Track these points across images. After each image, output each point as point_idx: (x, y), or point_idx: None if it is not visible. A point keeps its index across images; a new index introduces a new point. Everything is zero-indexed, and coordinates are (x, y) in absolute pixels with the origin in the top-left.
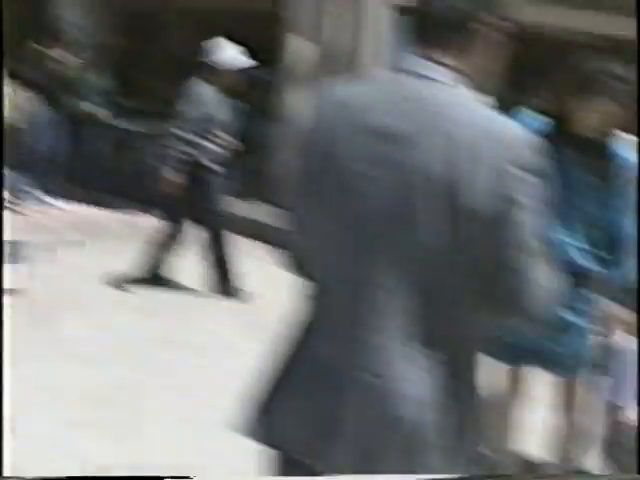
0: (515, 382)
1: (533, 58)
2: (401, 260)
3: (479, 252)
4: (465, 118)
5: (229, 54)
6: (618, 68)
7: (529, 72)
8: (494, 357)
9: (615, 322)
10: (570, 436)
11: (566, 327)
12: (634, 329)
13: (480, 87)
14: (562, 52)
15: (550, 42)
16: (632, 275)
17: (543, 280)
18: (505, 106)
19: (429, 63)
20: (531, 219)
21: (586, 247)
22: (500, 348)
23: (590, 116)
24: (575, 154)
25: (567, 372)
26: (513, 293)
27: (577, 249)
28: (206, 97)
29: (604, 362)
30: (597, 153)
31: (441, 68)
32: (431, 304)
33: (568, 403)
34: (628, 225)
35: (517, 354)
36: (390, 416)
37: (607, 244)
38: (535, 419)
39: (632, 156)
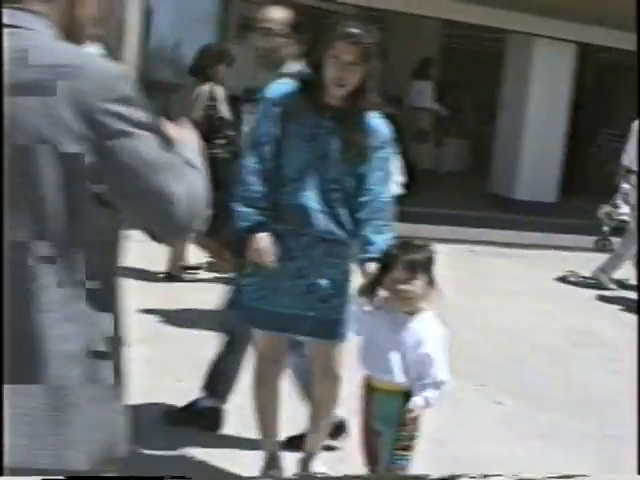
0: (275, 350)
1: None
2: (31, 216)
3: (116, 183)
4: (48, 61)
5: None
6: (356, 27)
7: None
8: (252, 324)
9: (370, 288)
10: (329, 402)
11: (322, 294)
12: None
13: (72, 31)
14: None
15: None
16: (387, 244)
17: (186, 189)
18: None
19: (19, 12)
20: (146, 141)
21: (341, 216)
22: (258, 316)
23: (340, 81)
24: (332, 125)
25: (325, 339)
26: (162, 215)
27: (331, 218)
28: None
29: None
30: (355, 126)
31: (29, 16)
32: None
33: (327, 370)
34: (384, 196)
35: (273, 321)
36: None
37: (365, 212)
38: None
39: (386, 131)
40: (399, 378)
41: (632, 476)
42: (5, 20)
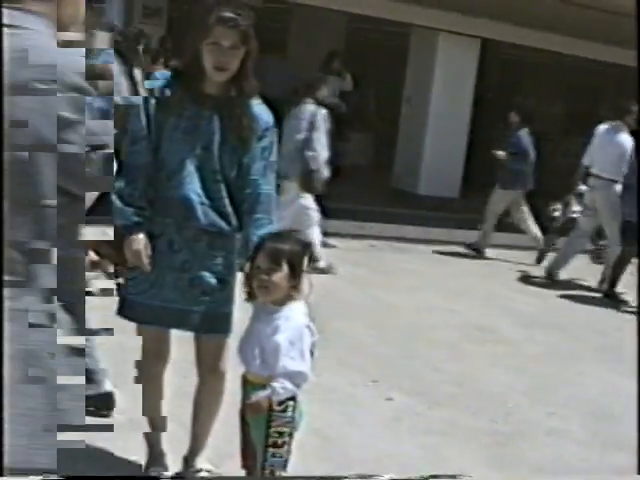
0: (159, 345)
1: None
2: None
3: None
4: (47, 61)
5: None
6: (232, 12)
7: None
8: (135, 319)
9: (251, 281)
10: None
11: (205, 288)
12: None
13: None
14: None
15: None
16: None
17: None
18: None
19: (18, 12)
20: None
21: (224, 208)
22: (141, 310)
23: (221, 65)
24: (213, 114)
25: (209, 333)
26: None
27: (214, 210)
28: None
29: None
30: (236, 113)
31: (28, 16)
32: None
33: (211, 365)
34: (268, 187)
35: (157, 316)
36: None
37: (247, 205)
38: (189, 383)
39: (269, 117)
40: (258, 369)
41: (632, 476)
42: (5, 20)
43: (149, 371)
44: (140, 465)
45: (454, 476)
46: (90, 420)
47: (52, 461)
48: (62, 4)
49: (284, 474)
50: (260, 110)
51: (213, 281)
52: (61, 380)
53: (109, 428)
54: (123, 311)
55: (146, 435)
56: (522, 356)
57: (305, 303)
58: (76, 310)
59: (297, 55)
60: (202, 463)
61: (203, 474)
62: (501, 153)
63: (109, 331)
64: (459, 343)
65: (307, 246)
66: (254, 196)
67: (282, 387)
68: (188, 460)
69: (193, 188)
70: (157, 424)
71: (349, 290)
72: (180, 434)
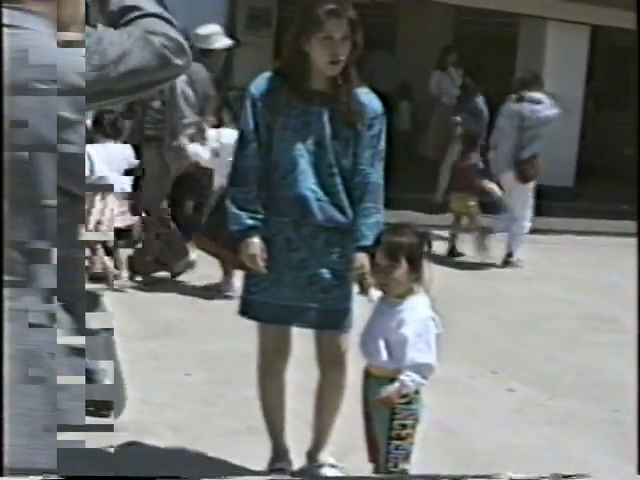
0: (280, 342)
1: None
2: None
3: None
4: (47, 61)
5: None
6: (336, 3)
7: None
8: (255, 318)
9: (367, 274)
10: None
11: (324, 285)
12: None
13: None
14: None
15: None
16: (376, 230)
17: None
18: None
19: (16, 13)
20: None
21: (340, 201)
22: (261, 309)
23: (336, 58)
24: (322, 109)
25: (329, 329)
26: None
27: (332, 205)
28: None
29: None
30: (346, 104)
31: (28, 16)
32: None
33: (332, 360)
34: (376, 175)
35: (277, 314)
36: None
37: (356, 194)
38: (310, 379)
39: (378, 105)
40: (384, 362)
41: (632, 476)
42: (5, 20)
43: (271, 368)
44: (142, 465)
45: (581, 475)
46: (90, 420)
47: (52, 461)
48: (62, 4)
49: (407, 466)
50: (368, 98)
51: (331, 278)
52: (61, 380)
53: (109, 428)
54: (244, 311)
55: (269, 431)
56: None
57: (427, 295)
58: (76, 310)
59: (406, 50)
60: (325, 457)
61: (327, 468)
62: None
63: (109, 331)
64: (576, 333)
65: (424, 237)
66: (363, 185)
67: (411, 380)
68: (311, 455)
69: (308, 185)
70: (279, 421)
71: (466, 281)
72: (303, 429)
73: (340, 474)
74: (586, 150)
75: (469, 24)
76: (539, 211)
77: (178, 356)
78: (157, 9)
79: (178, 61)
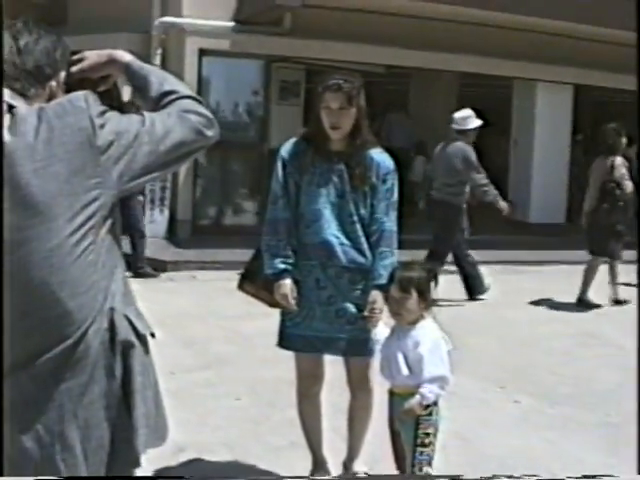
0: (314, 368)
1: None
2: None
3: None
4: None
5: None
6: (337, 78)
7: None
8: (292, 349)
9: (381, 308)
10: (365, 411)
11: (349, 317)
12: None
13: None
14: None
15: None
16: (389, 269)
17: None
18: None
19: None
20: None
21: (361, 245)
22: (297, 340)
23: (334, 125)
24: (342, 167)
25: (355, 356)
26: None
27: (353, 248)
28: None
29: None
30: (360, 163)
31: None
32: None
33: (360, 383)
34: (390, 224)
35: (310, 344)
36: None
37: (373, 240)
38: (343, 399)
39: (388, 161)
40: (405, 379)
41: (633, 476)
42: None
43: (307, 392)
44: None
45: (610, 475)
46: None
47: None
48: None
49: (430, 469)
50: (382, 158)
51: (355, 311)
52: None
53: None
54: (282, 343)
55: (309, 445)
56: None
57: (433, 320)
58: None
59: (417, 111)
60: (359, 466)
61: (361, 475)
62: None
63: None
64: (571, 348)
65: (431, 272)
66: (379, 232)
67: (429, 391)
68: (347, 465)
69: (332, 232)
70: (317, 436)
71: (476, 308)
72: (339, 443)
73: None
74: (575, 191)
75: (471, 87)
76: (537, 245)
77: (229, 383)
78: (188, 92)
79: (209, 133)
